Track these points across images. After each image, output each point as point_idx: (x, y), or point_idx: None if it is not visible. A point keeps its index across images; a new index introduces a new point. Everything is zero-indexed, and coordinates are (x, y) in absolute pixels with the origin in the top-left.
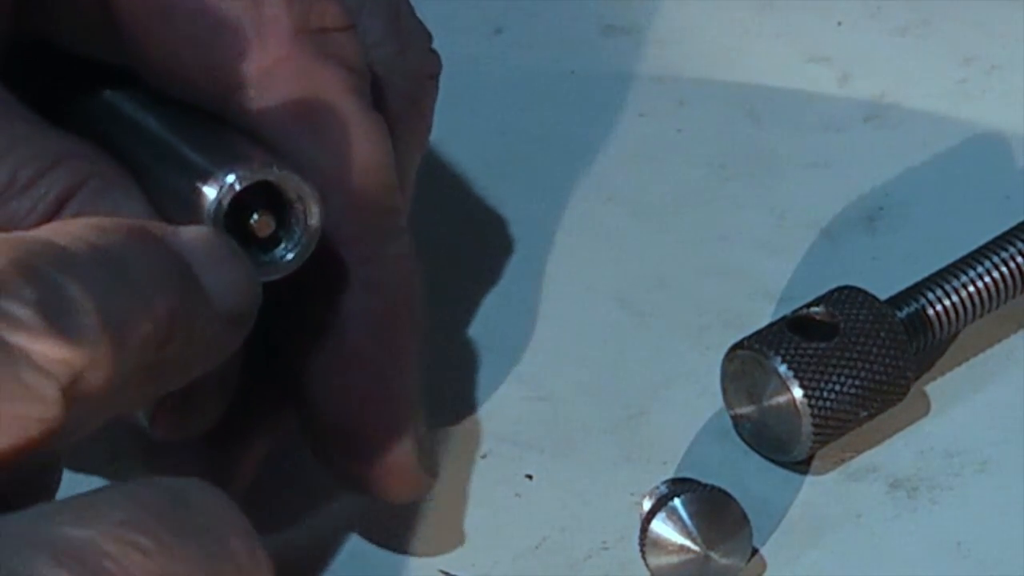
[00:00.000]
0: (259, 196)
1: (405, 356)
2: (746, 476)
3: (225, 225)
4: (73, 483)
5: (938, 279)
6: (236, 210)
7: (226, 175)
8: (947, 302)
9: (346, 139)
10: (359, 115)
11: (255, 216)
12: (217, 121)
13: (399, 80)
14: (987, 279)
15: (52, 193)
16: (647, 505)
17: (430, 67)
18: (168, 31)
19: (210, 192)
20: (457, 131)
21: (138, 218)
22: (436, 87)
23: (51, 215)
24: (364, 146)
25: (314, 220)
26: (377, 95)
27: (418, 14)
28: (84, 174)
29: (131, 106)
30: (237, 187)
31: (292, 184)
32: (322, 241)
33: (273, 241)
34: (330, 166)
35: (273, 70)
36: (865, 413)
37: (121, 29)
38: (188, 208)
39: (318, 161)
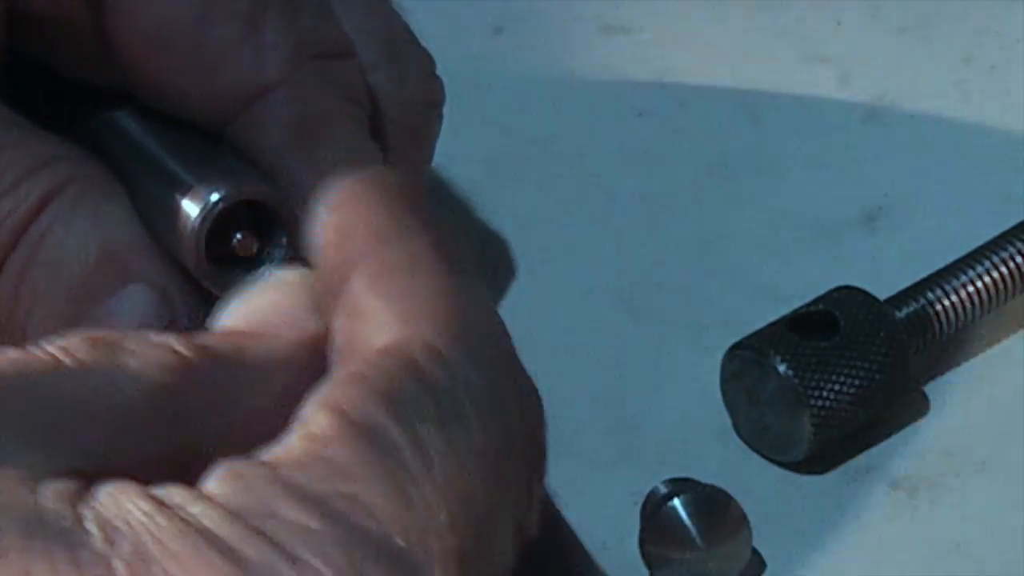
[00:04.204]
0: (245, 213)
1: None
2: (746, 476)
3: (208, 241)
4: None
5: (938, 279)
6: (221, 225)
7: (210, 193)
8: (947, 302)
9: (340, 166)
10: (355, 142)
11: (238, 235)
12: (210, 138)
13: (395, 108)
14: (987, 279)
15: (34, 195)
16: (647, 505)
17: (430, 95)
18: (166, 57)
19: (193, 209)
20: (457, 131)
21: (119, 221)
22: (438, 117)
23: (33, 217)
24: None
25: (298, 243)
26: (374, 123)
27: (418, 14)
28: (66, 176)
29: (125, 118)
30: (221, 205)
31: (277, 204)
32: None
33: (256, 260)
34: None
35: (271, 95)
36: (865, 413)
37: (118, 55)
38: (172, 222)
39: (310, 186)
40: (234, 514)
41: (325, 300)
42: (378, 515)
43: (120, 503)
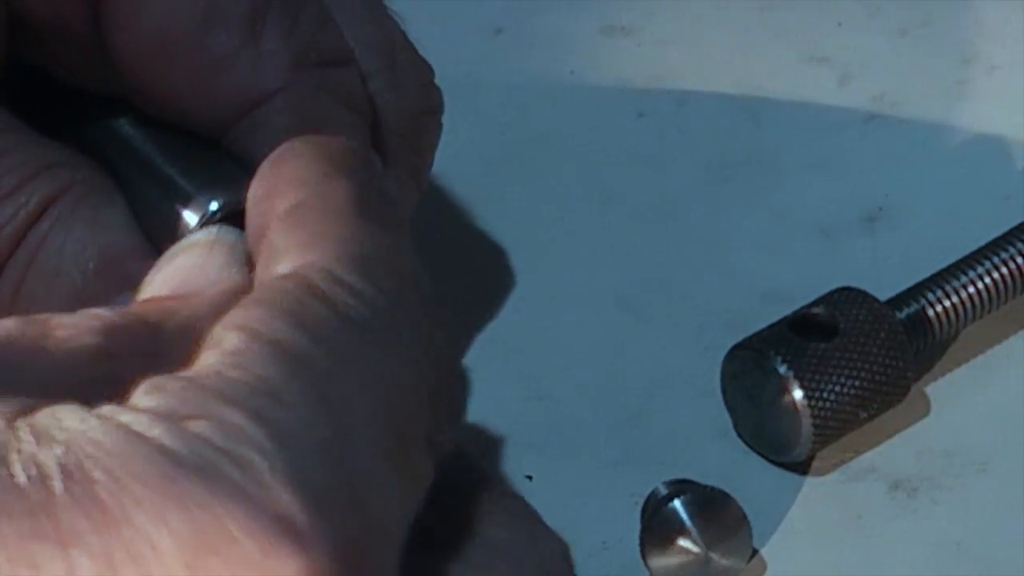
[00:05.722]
0: (243, 221)
1: None
2: (746, 476)
3: None
4: None
5: (938, 279)
6: None
7: (209, 201)
8: (947, 302)
9: None
10: None
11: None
12: (209, 145)
13: (393, 116)
14: (987, 279)
15: (33, 200)
16: (647, 505)
17: (428, 103)
18: (165, 65)
19: (192, 218)
20: (457, 131)
21: (118, 228)
22: (437, 124)
23: (32, 222)
24: None
25: None
26: (373, 131)
27: (419, 15)
28: (66, 182)
29: (124, 125)
30: (220, 214)
31: None
32: None
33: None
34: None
35: (270, 103)
36: (865, 413)
37: (117, 62)
38: (171, 230)
39: None
40: (164, 416)
41: (254, 247)
42: (299, 411)
43: (56, 415)
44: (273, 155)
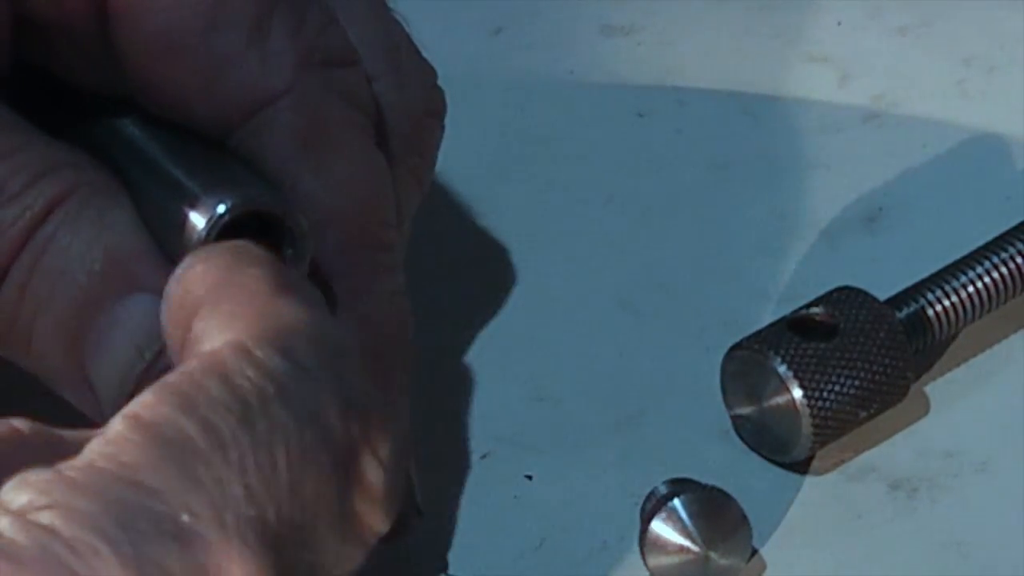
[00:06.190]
0: (251, 221)
1: (394, 392)
2: (746, 476)
3: None
4: None
5: (938, 279)
6: (226, 234)
7: (217, 204)
8: (947, 302)
9: (346, 174)
10: (360, 150)
11: None
12: (215, 146)
13: (397, 117)
14: (987, 279)
15: (40, 202)
16: (647, 505)
17: (431, 105)
18: (171, 64)
19: (200, 220)
20: (457, 131)
21: (124, 229)
22: (440, 126)
23: (38, 223)
24: (363, 182)
25: (303, 253)
26: (377, 132)
27: (419, 14)
28: (72, 183)
29: (130, 125)
30: (227, 217)
31: (284, 215)
32: (315, 274)
33: None
34: (328, 200)
35: (276, 102)
36: (865, 413)
37: (122, 61)
38: (178, 232)
39: (317, 194)
40: (14, 513)
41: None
42: (163, 496)
43: None
44: (179, 268)
